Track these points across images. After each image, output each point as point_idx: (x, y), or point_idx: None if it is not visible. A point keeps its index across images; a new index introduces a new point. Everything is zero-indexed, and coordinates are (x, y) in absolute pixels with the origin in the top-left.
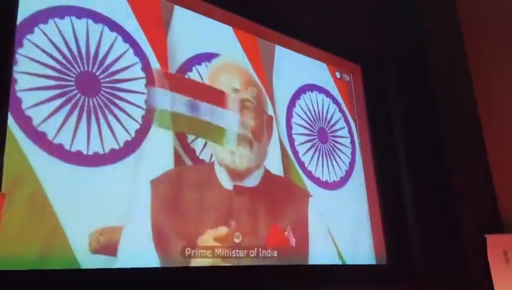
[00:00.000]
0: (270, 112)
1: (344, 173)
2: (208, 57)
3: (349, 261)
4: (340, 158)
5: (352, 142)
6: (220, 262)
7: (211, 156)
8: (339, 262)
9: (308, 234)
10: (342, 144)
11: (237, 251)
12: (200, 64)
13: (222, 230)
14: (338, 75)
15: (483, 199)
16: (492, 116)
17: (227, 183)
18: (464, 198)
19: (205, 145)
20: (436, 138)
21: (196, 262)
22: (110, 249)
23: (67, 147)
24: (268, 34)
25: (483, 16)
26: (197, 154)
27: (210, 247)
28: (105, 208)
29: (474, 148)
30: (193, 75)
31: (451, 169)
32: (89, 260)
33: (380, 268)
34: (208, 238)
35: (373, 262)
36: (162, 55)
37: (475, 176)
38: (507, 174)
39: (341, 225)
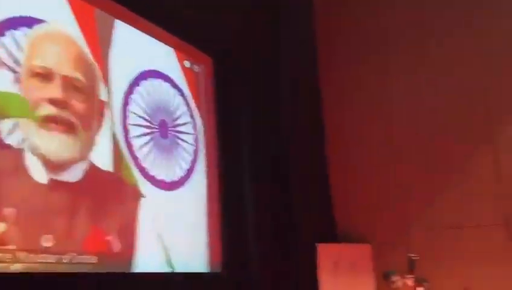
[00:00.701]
0: (104, 96)
1: (184, 172)
2: (28, 22)
3: (181, 268)
4: (182, 156)
5: (197, 139)
6: (20, 268)
7: (22, 141)
8: (169, 270)
9: (136, 238)
10: (184, 141)
11: (46, 255)
12: (16, 29)
13: None
14: (187, 64)
15: (320, 211)
16: (336, 132)
17: (40, 175)
18: (302, 209)
19: (15, 127)
20: (281, 146)
21: None
22: None
23: None
24: (108, 5)
25: (339, 26)
26: (2, 137)
27: (9, 250)
28: None
29: (316, 161)
30: (7, 40)
31: (292, 180)
32: None
33: (213, 276)
34: None
35: (207, 270)
36: None
37: (314, 189)
38: (344, 189)
39: (175, 230)
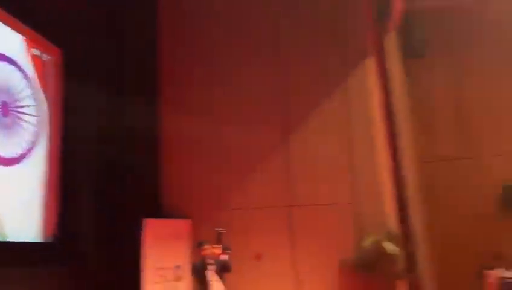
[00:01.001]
0: None
1: (24, 150)
2: None
3: (14, 238)
4: (22, 135)
5: (40, 121)
6: None
7: None
8: (1, 239)
9: None
10: (26, 121)
11: None
12: None
13: None
14: (36, 52)
15: (151, 191)
16: (172, 121)
17: None
18: (134, 189)
19: None
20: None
21: None
22: None
23: None
24: None
25: (182, 30)
26: None
27: None
28: None
29: (150, 145)
30: None
31: (127, 164)
32: None
33: (45, 245)
34: None
35: (40, 240)
36: None
37: (145, 172)
38: (173, 173)
39: (10, 202)
